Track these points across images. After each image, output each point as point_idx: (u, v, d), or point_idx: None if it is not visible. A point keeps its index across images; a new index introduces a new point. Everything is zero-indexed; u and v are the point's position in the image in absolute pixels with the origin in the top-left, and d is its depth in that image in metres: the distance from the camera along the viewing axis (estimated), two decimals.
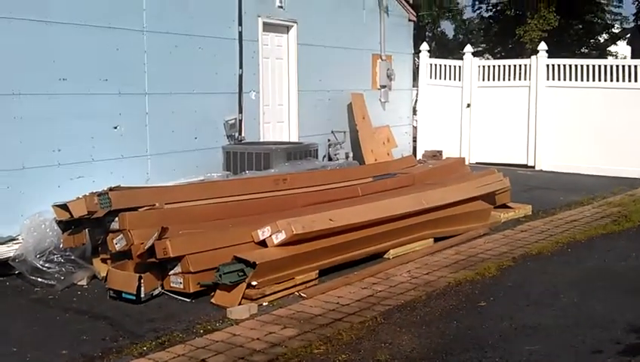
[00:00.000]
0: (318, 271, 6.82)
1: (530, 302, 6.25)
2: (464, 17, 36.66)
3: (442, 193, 8.73)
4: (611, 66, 14.76)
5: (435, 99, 16.48)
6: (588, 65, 14.85)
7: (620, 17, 31.22)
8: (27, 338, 5.43)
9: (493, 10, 30.36)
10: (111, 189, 6.95)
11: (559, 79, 15.04)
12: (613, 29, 31.07)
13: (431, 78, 16.59)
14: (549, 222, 9.73)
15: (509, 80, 15.72)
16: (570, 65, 15.03)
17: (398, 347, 5.19)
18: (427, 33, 33.27)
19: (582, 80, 14.77)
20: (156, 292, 6.30)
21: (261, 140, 11.28)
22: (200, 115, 10.17)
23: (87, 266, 6.82)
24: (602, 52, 29.29)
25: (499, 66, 16.05)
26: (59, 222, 6.83)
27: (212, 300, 6.18)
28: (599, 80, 14.60)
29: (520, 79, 15.56)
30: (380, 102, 14.68)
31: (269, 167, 9.69)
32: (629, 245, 8.42)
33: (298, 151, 10.35)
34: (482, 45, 32.79)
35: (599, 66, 14.76)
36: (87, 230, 6.77)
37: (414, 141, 16.56)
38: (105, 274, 6.65)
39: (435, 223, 8.39)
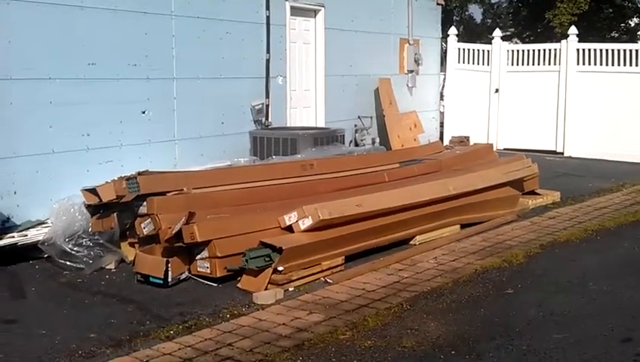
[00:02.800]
0: (344, 257, 6.82)
1: (558, 290, 6.20)
2: (492, 1, 36.33)
3: (469, 179, 8.67)
4: None
5: (462, 84, 16.34)
6: (619, 50, 14.62)
7: None
8: (56, 321, 5.49)
9: None
10: (139, 174, 6.99)
11: (590, 64, 14.83)
12: None
13: (459, 62, 16.43)
14: (578, 209, 9.63)
15: (539, 65, 15.54)
16: (601, 50, 14.80)
17: (425, 334, 5.18)
18: (455, 17, 33.02)
19: (613, 65, 14.56)
20: (183, 276, 6.34)
21: (288, 125, 11.26)
22: (227, 100, 10.17)
23: (115, 250, 6.87)
24: (633, 36, 28.88)
25: (528, 51, 15.86)
26: (88, 206, 6.89)
27: (238, 285, 6.20)
28: (631, 65, 14.39)
29: (549, 64, 15.37)
30: (407, 87, 14.58)
31: (295, 153, 9.68)
32: None
33: (325, 137, 10.33)
34: (511, 29, 32.51)
35: (631, 51, 14.52)
36: (115, 214, 6.83)
37: (441, 126, 16.43)
38: (133, 258, 6.71)
39: (462, 210, 8.34)
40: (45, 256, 6.81)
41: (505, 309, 5.71)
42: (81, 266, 6.65)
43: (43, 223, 7.34)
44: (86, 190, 6.89)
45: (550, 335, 5.13)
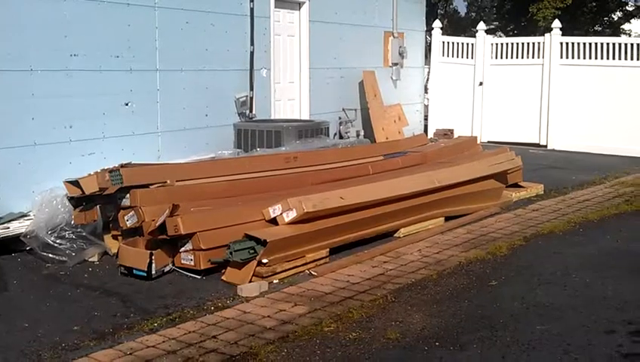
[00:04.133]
0: (328, 250, 6.81)
1: (541, 282, 6.23)
2: None
3: (454, 172, 8.68)
4: (626, 45, 14.61)
5: (447, 77, 16.38)
6: (602, 44, 14.71)
7: None
8: (39, 314, 5.45)
9: None
10: (122, 166, 6.95)
11: (573, 57, 14.91)
12: (627, 7, 30.76)
13: (443, 55, 16.47)
14: (561, 201, 9.68)
15: (523, 58, 15.61)
16: (584, 44, 14.88)
17: (409, 325, 5.19)
18: (439, 10, 32.99)
19: (596, 58, 14.64)
20: (167, 269, 6.32)
21: (272, 118, 11.24)
22: (211, 92, 10.14)
23: (98, 243, 6.84)
24: (616, 30, 29.01)
25: (512, 44, 15.92)
26: (70, 199, 6.84)
27: (223, 277, 6.18)
28: (614, 58, 14.47)
29: (533, 57, 15.44)
30: (391, 80, 14.59)
31: (279, 145, 9.66)
32: None
33: (309, 129, 10.31)
34: (494, 23, 32.55)
35: (614, 44, 14.61)
36: (98, 206, 6.79)
37: (426, 119, 16.48)
38: (116, 251, 6.67)
39: (447, 202, 8.36)
40: (27, 248, 6.76)
41: (489, 301, 5.72)
42: (64, 259, 6.60)
43: (25, 215, 7.28)
44: (68, 182, 6.84)
45: (533, 327, 5.15)
